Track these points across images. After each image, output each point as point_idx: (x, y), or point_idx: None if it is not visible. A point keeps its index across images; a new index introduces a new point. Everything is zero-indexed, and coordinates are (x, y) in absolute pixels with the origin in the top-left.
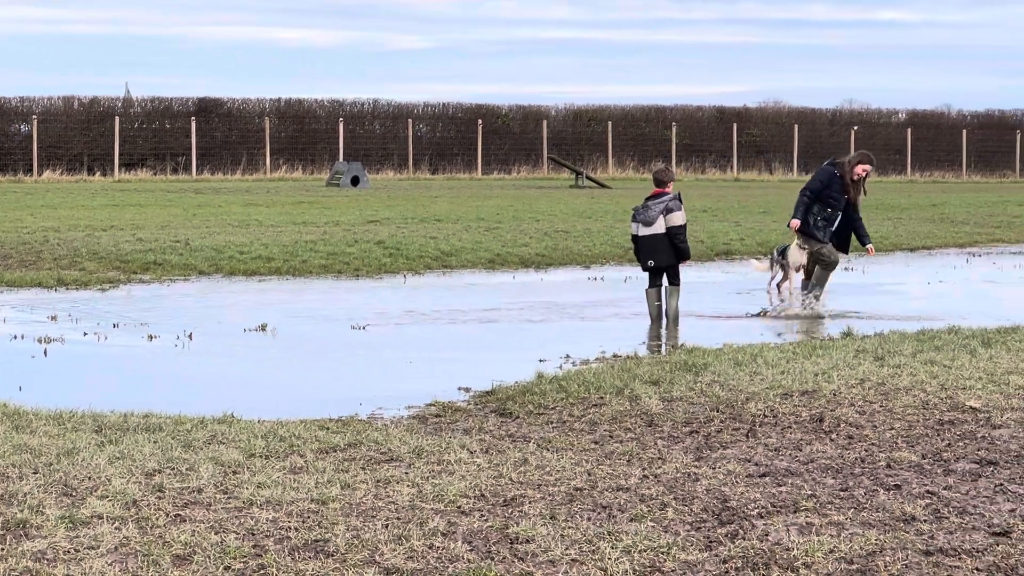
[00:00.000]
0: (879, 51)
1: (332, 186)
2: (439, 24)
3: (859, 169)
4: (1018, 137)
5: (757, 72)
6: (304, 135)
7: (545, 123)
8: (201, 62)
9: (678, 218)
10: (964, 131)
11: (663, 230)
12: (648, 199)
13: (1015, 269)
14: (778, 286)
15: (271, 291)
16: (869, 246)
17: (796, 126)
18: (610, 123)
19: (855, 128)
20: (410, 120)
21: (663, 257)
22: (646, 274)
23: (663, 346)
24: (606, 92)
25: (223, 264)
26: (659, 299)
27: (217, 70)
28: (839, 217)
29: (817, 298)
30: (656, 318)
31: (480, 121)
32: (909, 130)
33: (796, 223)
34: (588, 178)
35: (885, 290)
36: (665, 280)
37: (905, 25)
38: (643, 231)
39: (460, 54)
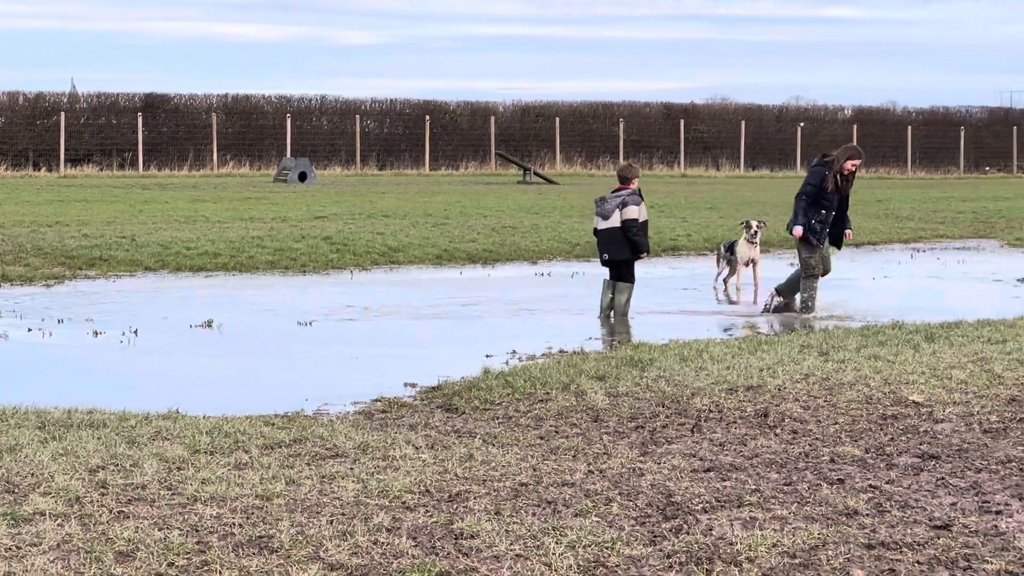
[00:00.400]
0: (825, 48)
1: (279, 182)
2: (387, 20)
3: (849, 164)
4: (962, 133)
5: (704, 69)
6: (251, 131)
7: (493, 119)
8: (148, 58)
9: (633, 212)
10: (909, 127)
11: (619, 224)
12: (610, 194)
13: (959, 265)
14: (724, 281)
15: (217, 287)
16: (848, 231)
17: (743, 123)
18: (558, 119)
19: (801, 125)
20: (358, 116)
21: (616, 250)
22: (592, 270)
23: (610, 341)
24: (554, 88)
25: (169, 260)
26: (609, 291)
27: (164, 66)
28: (833, 216)
29: (787, 305)
30: (602, 308)
31: (428, 117)
32: (855, 127)
33: (799, 231)
34: (536, 174)
35: (830, 286)
36: (610, 273)
37: (851, 22)
38: (602, 225)
39: (408, 50)
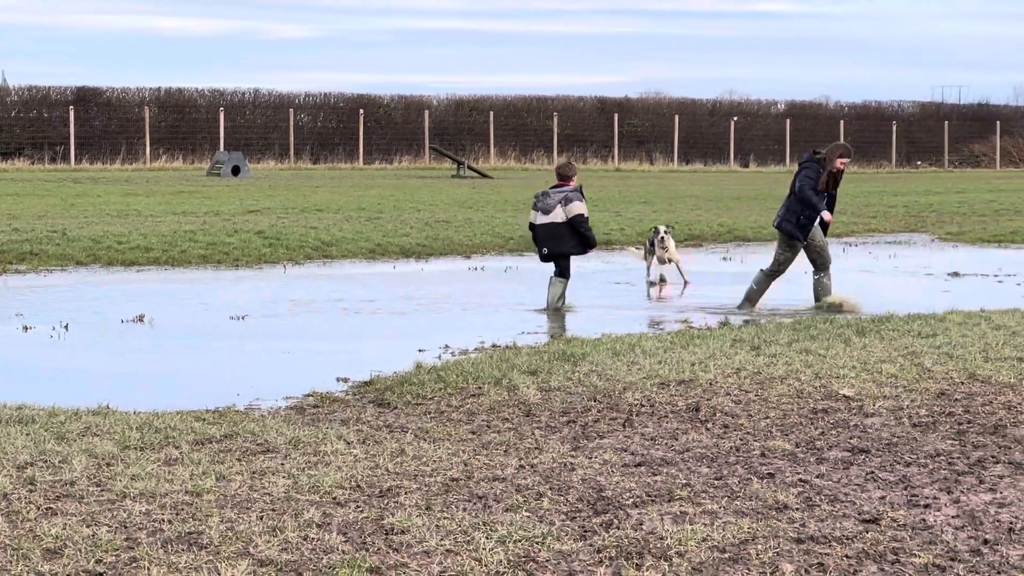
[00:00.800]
0: (759, 42)
1: (213, 176)
2: (321, 13)
3: (839, 163)
4: (894, 128)
5: (638, 63)
6: (184, 124)
7: (427, 113)
8: (80, 51)
9: (579, 207)
10: (842, 122)
11: (561, 219)
12: (550, 189)
13: (890, 259)
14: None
15: (149, 281)
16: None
17: (677, 117)
18: (492, 113)
19: (735, 119)
20: (291, 110)
21: (555, 244)
22: (526, 265)
23: (544, 334)
24: (488, 82)
25: (101, 254)
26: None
27: (96, 59)
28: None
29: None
30: (551, 304)
31: (362, 111)
32: (788, 121)
33: (829, 216)
34: (470, 168)
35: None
36: (554, 270)
37: (785, 16)
38: (541, 219)
39: (342, 43)
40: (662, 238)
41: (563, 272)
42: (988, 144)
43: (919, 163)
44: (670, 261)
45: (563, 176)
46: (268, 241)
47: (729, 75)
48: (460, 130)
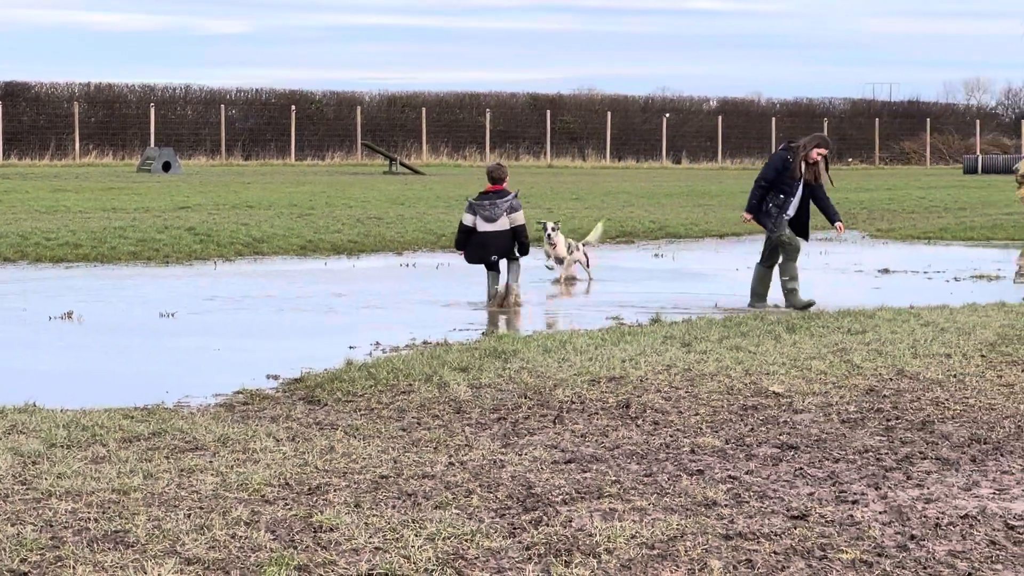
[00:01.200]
0: (692, 39)
1: (143, 172)
2: (255, 9)
3: (815, 152)
4: (826, 125)
5: (571, 59)
6: (115, 120)
7: (359, 109)
8: (8, 45)
9: (521, 217)
10: (773, 119)
11: (507, 227)
12: (485, 195)
13: (821, 256)
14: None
15: (78, 278)
16: (838, 224)
17: (609, 113)
18: (424, 109)
19: (667, 116)
20: (223, 106)
21: (503, 251)
22: (457, 261)
23: (476, 331)
24: (421, 78)
25: (29, 251)
26: (498, 281)
27: (25, 53)
28: (793, 202)
29: (793, 290)
30: (494, 297)
31: (294, 107)
32: (720, 118)
33: (747, 216)
34: (402, 164)
35: (695, 276)
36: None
37: (717, 14)
38: (485, 227)
39: (276, 39)
40: (549, 235)
41: (496, 266)
42: (918, 141)
43: (850, 160)
44: (560, 261)
45: (497, 179)
46: (199, 238)
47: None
48: (392, 126)
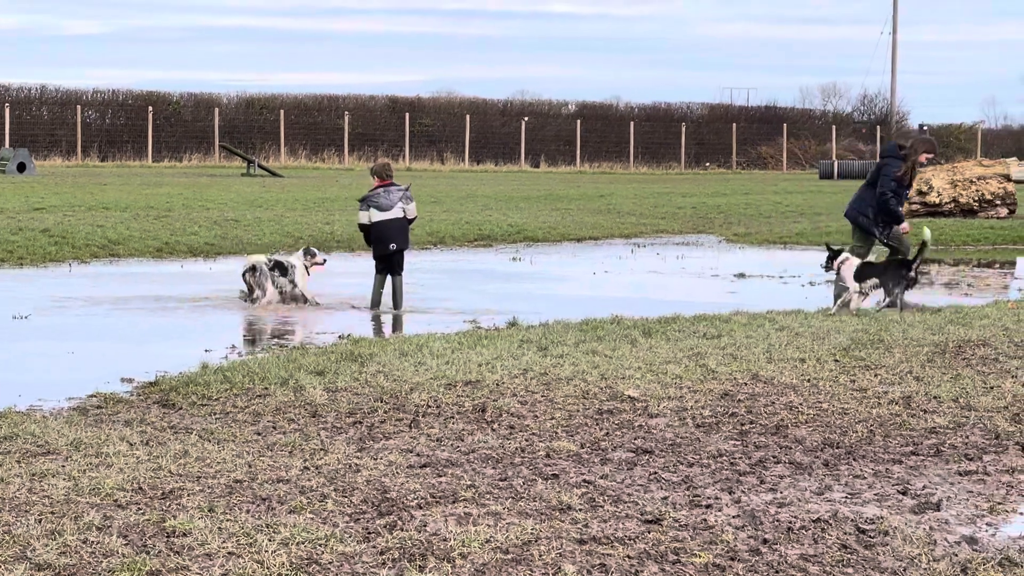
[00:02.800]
0: (551, 43)
1: None
2: (113, 9)
3: (923, 157)
4: (683, 129)
5: (430, 62)
6: None
7: (217, 111)
8: None
9: (414, 209)
10: (632, 123)
11: (402, 215)
12: (373, 190)
13: (677, 260)
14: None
15: None
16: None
17: (468, 116)
18: (282, 111)
19: (526, 119)
20: (79, 106)
21: (403, 240)
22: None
23: (332, 335)
24: (279, 80)
25: None
26: (383, 286)
27: None
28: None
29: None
30: (378, 304)
31: (151, 108)
32: (579, 122)
33: (907, 226)
34: (260, 166)
35: (551, 280)
36: (381, 267)
37: (575, 17)
38: (379, 216)
39: (134, 39)
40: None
41: (400, 266)
42: (775, 146)
43: (708, 164)
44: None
45: (386, 176)
46: (54, 239)
47: (521, 75)
48: (250, 128)
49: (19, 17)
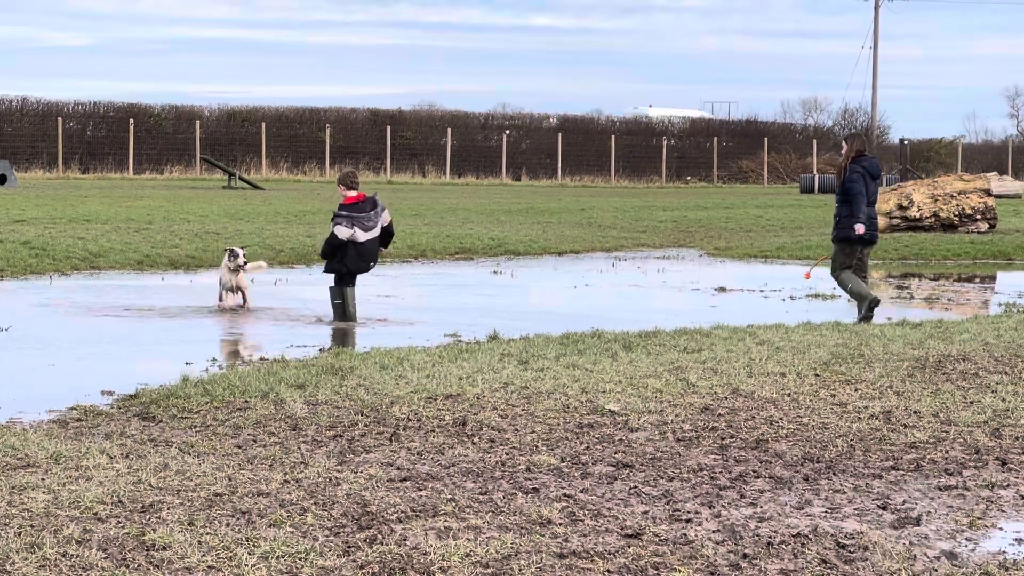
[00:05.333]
0: (532, 56)
1: None
2: (95, 21)
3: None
4: (664, 143)
5: (412, 75)
6: None
7: (199, 123)
8: None
9: (388, 216)
10: (613, 137)
11: (377, 233)
12: (356, 205)
13: (658, 273)
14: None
15: None
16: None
17: (449, 129)
18: (264, 124)
19: (507, 132)
20: (60, 118)
21: (376, 256)
22: (296, 277)
23: (313, 348)
24: (261, 93)
25: None
26: (354, 298)
27: None
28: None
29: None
30: (354, 316)
31: (132, 120)
32: (560, 135)
33: (860, 228)
34: (241, 179)
35: (532, 293)
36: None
37: (557, 31)
38: (364, 236)
39: (115, 52)
40: (240, 259)
41: (355, 281)
42: (756, 160)
43: (689, 178)
44: (239, 289)
45: (353, 185)
46: (34, 251)
47: (502, 88)
48: (232, 140)
49: (5, 28)
